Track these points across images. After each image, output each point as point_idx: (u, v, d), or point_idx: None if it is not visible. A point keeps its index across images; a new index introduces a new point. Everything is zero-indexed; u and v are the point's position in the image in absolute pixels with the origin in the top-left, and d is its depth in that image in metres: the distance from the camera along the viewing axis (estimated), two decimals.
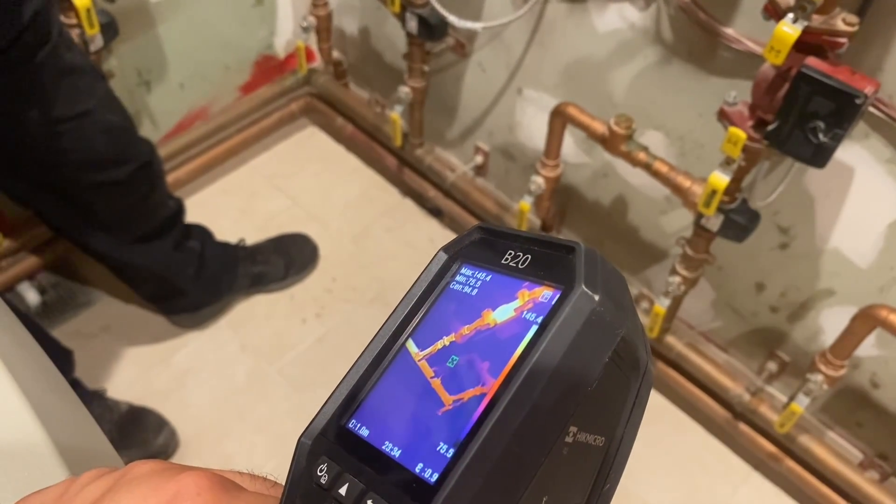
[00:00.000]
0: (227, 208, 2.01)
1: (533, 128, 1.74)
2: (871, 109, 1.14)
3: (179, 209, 1.64)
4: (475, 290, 0.32)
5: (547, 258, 0.31)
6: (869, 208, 1.26)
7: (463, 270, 0.33)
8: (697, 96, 1.37)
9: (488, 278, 0.32)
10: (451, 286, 0.33)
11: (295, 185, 2.09)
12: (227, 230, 1.96)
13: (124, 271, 1.65)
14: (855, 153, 1.22)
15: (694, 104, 1.39)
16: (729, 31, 1.25)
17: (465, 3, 1.66)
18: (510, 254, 0.32)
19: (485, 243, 0.34)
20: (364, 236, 1.99)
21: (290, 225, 1.99)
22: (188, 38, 1.85)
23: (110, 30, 1.55)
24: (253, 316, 1.81)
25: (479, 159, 1.92)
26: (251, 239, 1.89)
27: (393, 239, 2.00)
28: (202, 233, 1.74)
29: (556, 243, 0.31)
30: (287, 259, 1.86)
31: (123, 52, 1.73)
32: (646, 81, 1.45)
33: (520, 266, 0.31)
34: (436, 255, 0.35)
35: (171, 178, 1.96)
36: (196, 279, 1.69)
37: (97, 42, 1.53)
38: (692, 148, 1.45)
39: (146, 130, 1.90)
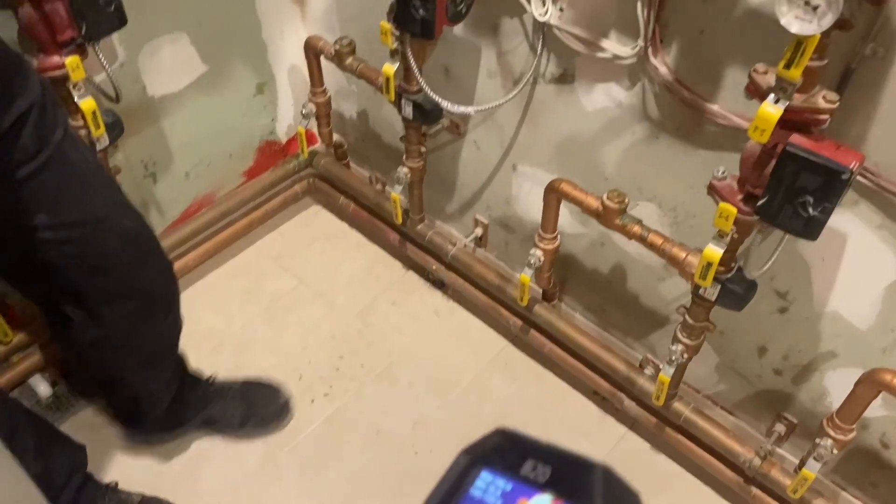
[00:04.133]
0: (234, 291, 2.04)
1: (529, 201, 1.78)
2: (859, 178, 1.18)
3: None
4: (496, 499, 0.34)
5: (566, 473, 0.33)
6: (865, 272, 1.28)
7: (483, 475, 0.35)
8: (687, 169, 1.41)
9: (509, 487, 0.34)
10: (470, 491, 0.35)
11: (301, 264, 2.12)
12: (234, 314, 1.99)
13: (114, 385, 1.60)
14: (847, 220, 1.25)
15: (684, 176, 1.43)
16: (714, 107, 1.29)
17: (459, 88, 1.72)
18: (530, 463, 0.34)
19: (505, 448, 0.36)
20: (370, 311, 2.02)
21: (298, 304, 2.02)
22: (192, 130, 1.91)
23: (116, 128, 1.60)
24: None
25: (478, 232, 1.95)
26: (255, 320, 1.91)
27: (398, 313, 2.02)
28: (182, 361, 1.67)
29: (574, 460, 0.33)
30: (248, 409, 1.74)
31: (129, 146, 1.78)
32: (636, 156, 1.49)
33: (539, 479, 0.33)
34: (456, 458, 0.36)
35: (178, 265, 1.99)
36: (165, 409, 1.62)
37: (103, 141, 1.58)
38: (685, 218, 1.49)
39: (153, 220, 1.94)
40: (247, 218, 2.10)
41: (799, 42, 0.94)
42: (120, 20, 1.45)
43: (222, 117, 1.97)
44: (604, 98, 1.47)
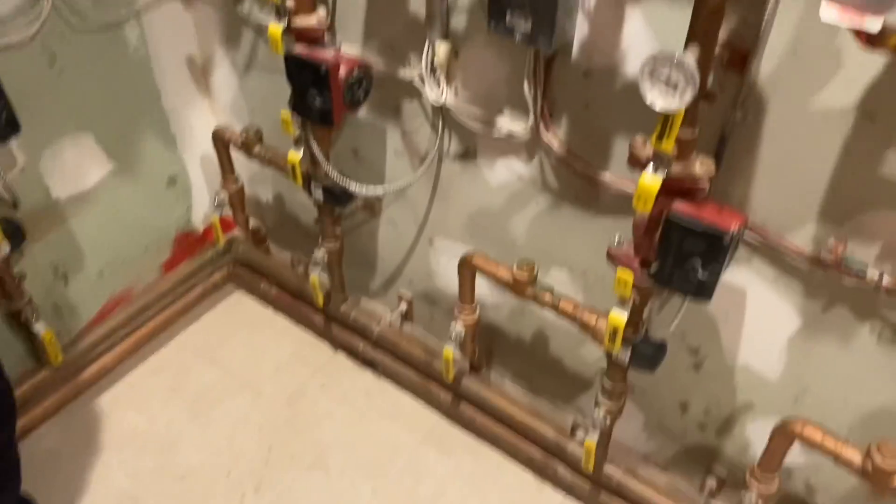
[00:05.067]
0: (157, 389, 1.98)
1: (449, 274, 1.78)
2: (749, 236, 1.22)
3: None
4: None
5: None
6: (766, 325, 1.31)
7: None
8: (590, 235, 1.44)
9: None
10: None
11: (225, 355, 2.07)
12: (157, 412, 1.93)
13: None
14: (743, 276, 1.28)
15: (589, 242, 1.45)
16: (606, 176, 1.33)
17: (369, 168, 1.74)
18: None
19: None
20: (299, 397, 1.98)
21: (223, 397, 1.96)
22: (103, 227, 1.88)
23: (17, 235, 1.57)
24: (189, 499, 1.75)
25: (403, 307, 1.95)
26: (179, 417, 1.86)
27: (328, 396, 1.98)
28: None
29: None
30: None
31: (36, 250, 1.74)
32: (543, 225, 1.51)
33: None
34: None
35: (96, 367, 1.94)
36: None
37: (3, 249, 1.55)
38: (595, 281, 1.51)
39: (67, 323, 1.89)
40: (166, 312, 2.06)
41: (666, 117, 0.98)
42: (12, 128, 1.44)
43: (134, 212, 1.94)
44: (506, 173, 1.50)
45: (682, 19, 1.00)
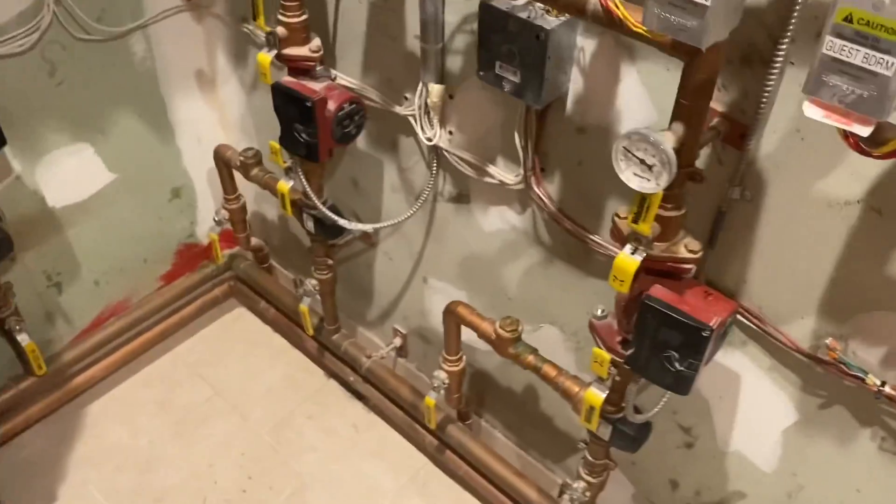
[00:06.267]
0: (145, 403, 1.96)
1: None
2: (745, 321, 1.11)
3: None
4: None
5: None
6: (761, 413, 1.20)
7: None
8: (582, 294, 1.35)
9: None
10: None
11: (218, 373, 2.04)
12: (142, 428, 1.90)
13: None
14: (737, 360, 1.17)
15: (580, 301, 1.36)
16: (596, 238, 1.23)
17: (367, 199, 1.67)
18: None
19: None
20: (285, 425, 1.92)
21: (210, 417, 1.92)
22: (102, 238, 1.85)
23: (4, 246, 1.55)
24: None
25: (398, 341, 1.88)
26: (163, 435, 1.82)
27: (314, 427, 1.92)
28: None
29: None
30: None
31: (29, 258, 1.72)
32: (534, 278, 1.43)
33: None
34: None
35: (84, 377, 1.92)
36: None
37: None
38: (587, 343, 1.41)
39: (59, 330, 1.87)
40: (163, 324, 2.03)
41: (643, 197, 0.89)
42: None
43: (135, 223, 1.91)
44: (498, 220, 1.41)
45: (676, 81, 0.91)
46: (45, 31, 1.52)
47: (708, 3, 0.69)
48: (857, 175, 0.89)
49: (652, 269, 0.99)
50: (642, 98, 1.06)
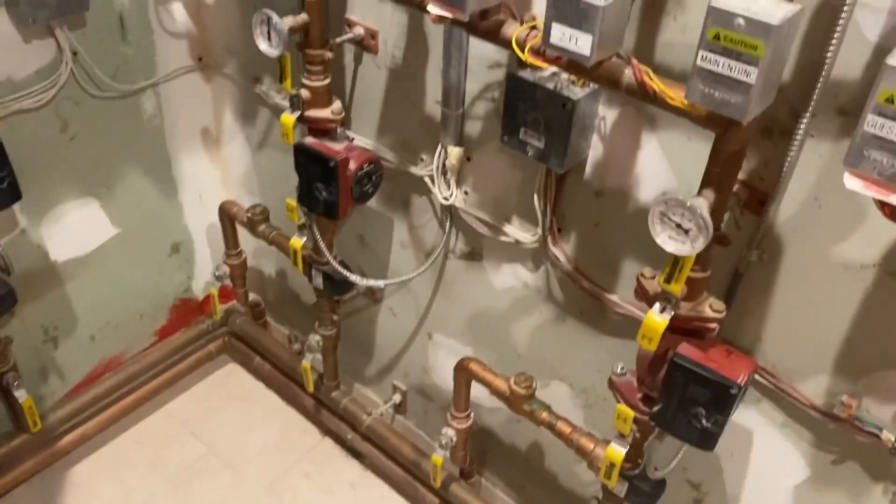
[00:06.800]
0: (137, 460, 1.91)
1: (446, 371, 1.72)
2: (759, 378, 1.15)
3: None
4: None
5: None
6: (772, 470, 1.24)
7: None
8: (594, 353, 1.38)
9: None
10: None
11: (212, 429, 2.01)
12: (134, 486, 1.85)
13: None
14: (750, 417, 1.21)
15: (592, 360, 1.39)
16: (613, 297, 1.27)
17: (374, 256, 1.70)
18: None
19: None
20: (280, 484, 1.90)
21: (204, 475, 1.89)
22: (100, 292, 1.84)
23: (8, 300, 1.53)
24: None
25: (397, 398, 1.88)
26: (156, 494, 1.78)
27: (311, 486, 1.90)
28: None
29: None
30: None
31: (27, 312, 1.70)
32: (545, 335, 1.46)
33: None
34: None
35: (76, 434, 1.88)
36: None
37: None
38: (596, 401, 1.44)
39: (52, 386, 1.84)
40: (156, 380, 2.00)
41: (676, 259, 0.93)
42: (13, 196, 1.42)
43: (134, 278, 1.91)
44: (511, 278, 1.45)
45: (697, 151, 0.97)
46: (62, 87, 1.54)
47: (752, 82, 0.74)
48: (873, 240, 0.95)
49: (677, 328, 1.03)
50: (662, 165, 1.11)
